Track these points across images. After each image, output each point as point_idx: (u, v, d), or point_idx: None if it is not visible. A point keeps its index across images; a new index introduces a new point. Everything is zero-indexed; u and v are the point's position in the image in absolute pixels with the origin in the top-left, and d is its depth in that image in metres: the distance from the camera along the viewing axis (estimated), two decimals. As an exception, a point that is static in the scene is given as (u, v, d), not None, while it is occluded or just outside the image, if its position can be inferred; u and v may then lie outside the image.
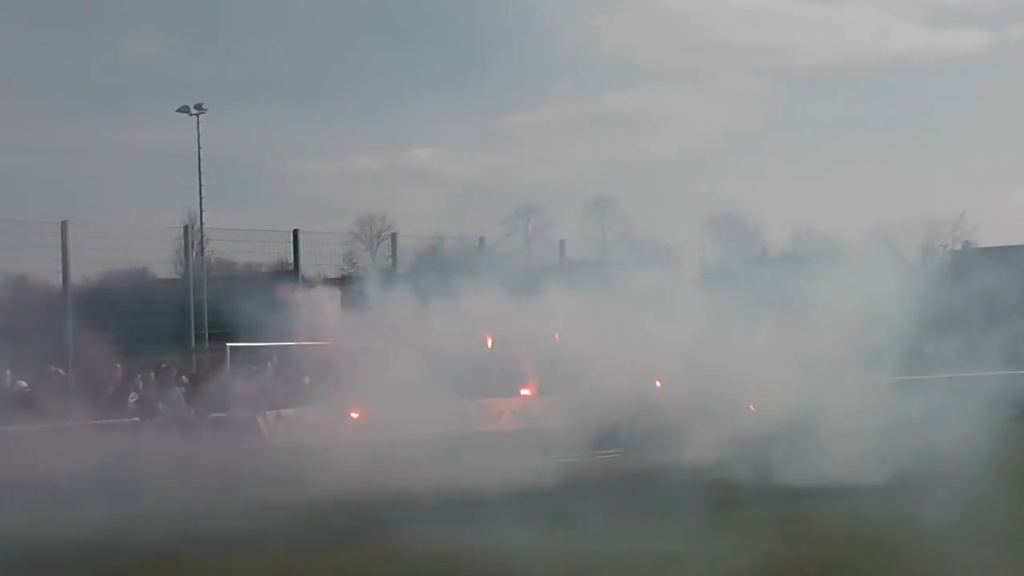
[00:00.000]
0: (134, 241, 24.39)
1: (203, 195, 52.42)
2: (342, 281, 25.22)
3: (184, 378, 21.19)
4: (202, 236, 32.80)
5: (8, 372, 19.37)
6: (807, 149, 69.65)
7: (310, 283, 23.71)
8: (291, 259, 25.85)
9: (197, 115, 52.68)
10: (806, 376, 19.24)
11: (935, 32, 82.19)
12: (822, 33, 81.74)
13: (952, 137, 75.05)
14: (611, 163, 73.78)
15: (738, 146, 70.63)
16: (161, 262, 26.64)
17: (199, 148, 52.77)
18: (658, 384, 20.09)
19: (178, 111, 52.94)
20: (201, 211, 51.16)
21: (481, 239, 28.58)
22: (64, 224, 22.20)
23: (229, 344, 21.54)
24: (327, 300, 20.28)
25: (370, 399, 19.16)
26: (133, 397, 20.26)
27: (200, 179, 52.54)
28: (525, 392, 22.30)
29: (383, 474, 17.28)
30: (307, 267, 25.81)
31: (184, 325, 24.36)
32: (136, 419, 19.76)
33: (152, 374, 20.60)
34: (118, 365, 20.62)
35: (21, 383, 19.71)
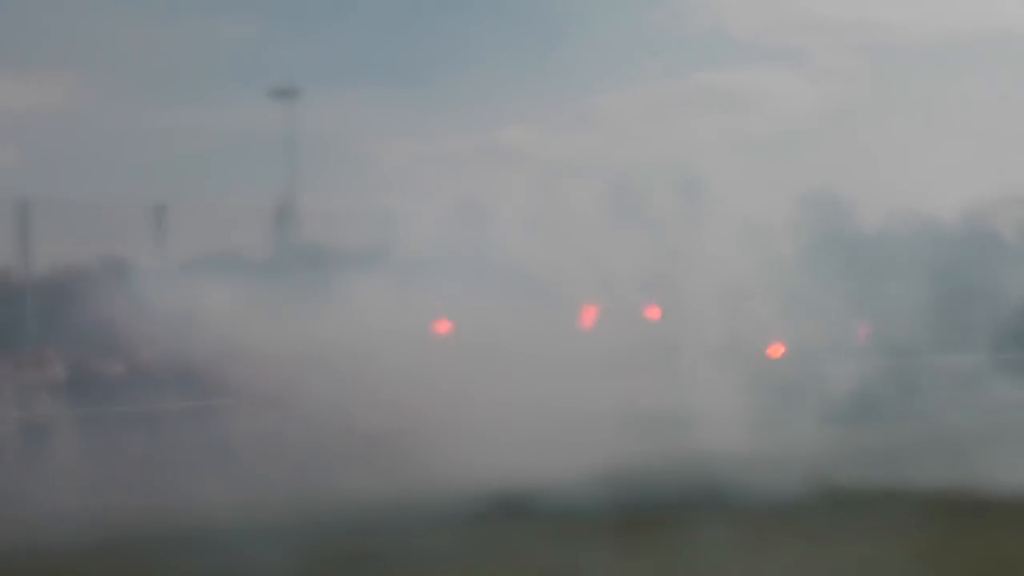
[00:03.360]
0: (228, 224, 24.51)
1: (297, 177, 52.75)
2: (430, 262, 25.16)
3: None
4: (296, 218, 32.92)
5: (103, 357, 19.65)
6: (905, 126, 68.35)
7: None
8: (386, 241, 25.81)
9: (291, 98, 53.06)
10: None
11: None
12: (922, 8, 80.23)
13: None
14: (703, 142, 73.13)
15: (834, 124, 69.51)
16: (254, 244, 26.75)
17: (293, 131, 53.14)
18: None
19: (272, 94, 53.35)
20: (294, 193, 51.46)
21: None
22: (160, 208, 22.42)
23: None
24: None
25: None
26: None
27: (294, 161, 52.88)
28: None
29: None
30: (402, 248, 25.73)
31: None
32: (228, 400, 19.98)
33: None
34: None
35: (117, 366, 19.96)
